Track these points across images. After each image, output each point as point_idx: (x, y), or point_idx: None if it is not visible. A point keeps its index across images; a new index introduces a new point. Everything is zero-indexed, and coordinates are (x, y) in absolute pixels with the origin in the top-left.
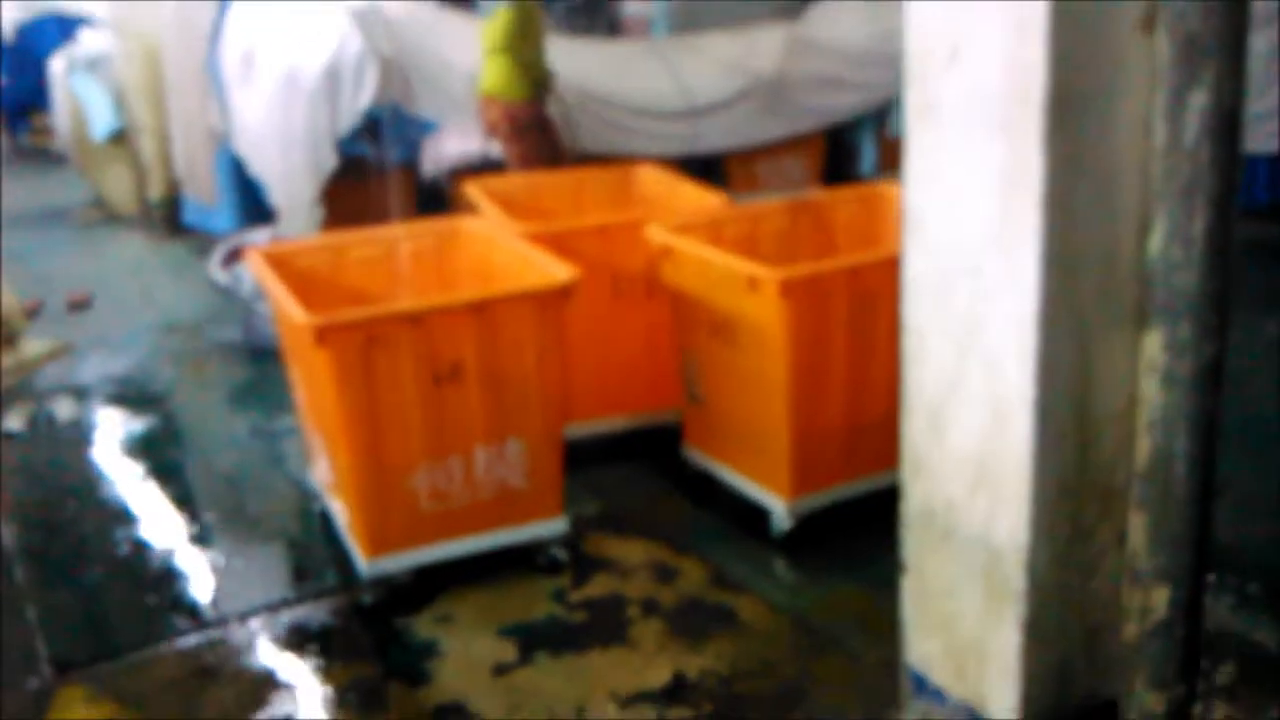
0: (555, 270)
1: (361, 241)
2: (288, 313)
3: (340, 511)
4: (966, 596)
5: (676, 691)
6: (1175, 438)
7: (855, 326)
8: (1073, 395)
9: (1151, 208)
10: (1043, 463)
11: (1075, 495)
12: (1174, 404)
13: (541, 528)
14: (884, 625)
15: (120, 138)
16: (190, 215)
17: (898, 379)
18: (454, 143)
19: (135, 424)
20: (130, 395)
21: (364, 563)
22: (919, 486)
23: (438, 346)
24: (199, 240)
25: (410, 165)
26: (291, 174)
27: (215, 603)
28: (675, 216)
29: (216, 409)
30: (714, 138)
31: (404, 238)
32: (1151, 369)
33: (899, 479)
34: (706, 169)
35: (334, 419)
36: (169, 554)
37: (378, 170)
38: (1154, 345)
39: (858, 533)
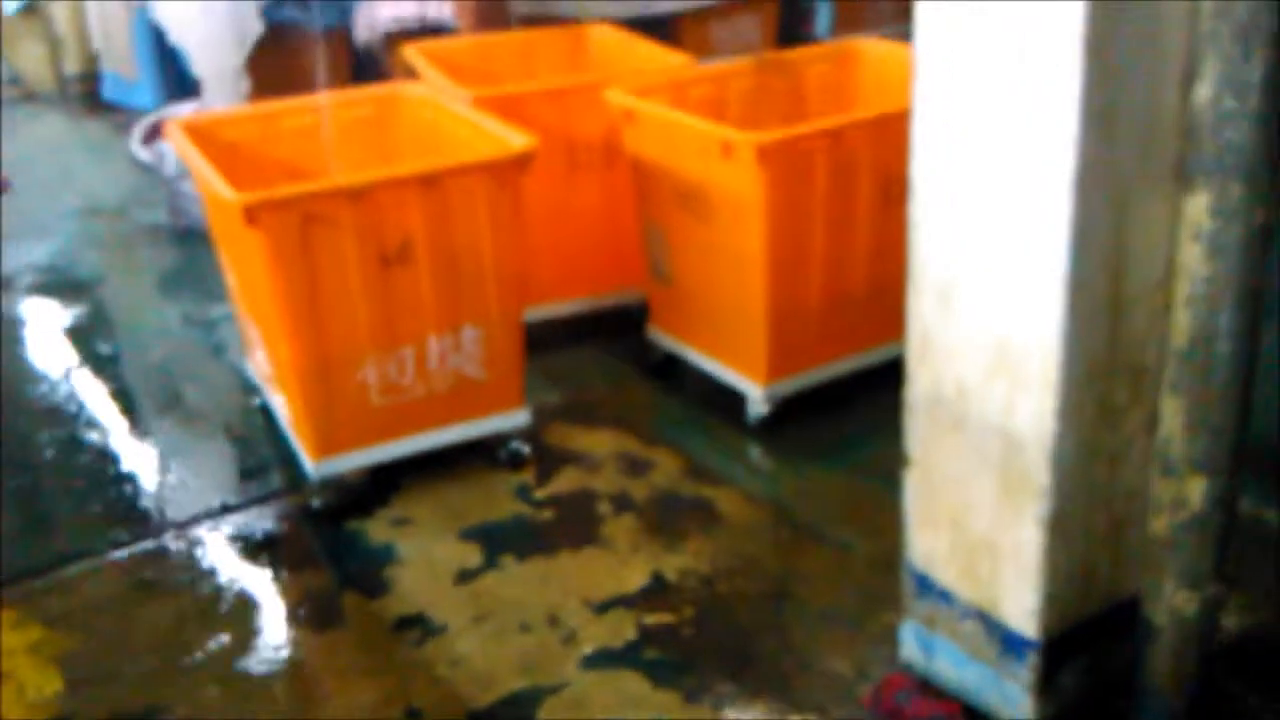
0: (509, 139)
1: (293, 111)
2: (214, 190)
3: (283, 408)
4: (979, 490)
5: (655, 594)
6: (1219, 313)
7: (835, 195)
8: (1108, 266)
9: (1200, 51)
10: (1073, 343)
11: (1104, 377)
12: (1219, 275)
13: (502, 420)
14: (871, 516)
15: (32, 8)
16: (110, 90)
17: (878, 252)
18: (388, 6)
19: (60, 315)
20: (54, 284)
21: (311, 464)
22: (926, 370)
23: (383, 225)
24: (120, 117)
25: (343, 31)
26: (214, 42)
27: (152, 511)
28: (634, 79)
29: (146, 297)
30: None
31: (340, 105)
32: (1194, 236)
33: (879, 358)
34: (655, 32)
35: (271, 308)
36: (99, 459)
37: (307, 37)
38: (1198, 209)
39: (837, 416)
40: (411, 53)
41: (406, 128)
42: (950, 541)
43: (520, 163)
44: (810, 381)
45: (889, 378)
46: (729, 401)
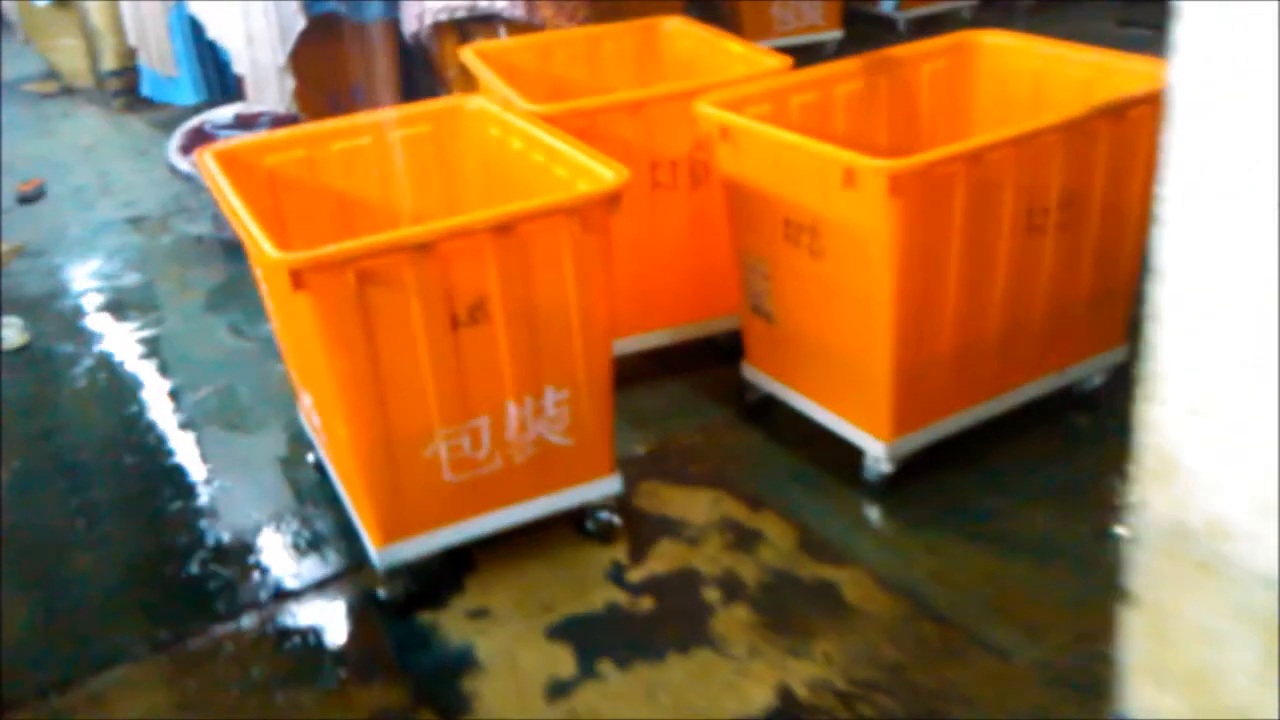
0: (597, 170)
1: (342, 132)
2: (254, 244)
3: (340, 479)
4: (1238, 652)
5: (785, 716)
6: None
7: (973, 226)
8: None
9: None
10: None
11: None
12: None
13: (590, 490)
14: (1027, 608)
15: (64, 0)
16: (149, 87)
17: (1017, 287)
18: None
19: (99, 346)
20: (93, 308)
21: (376, 552)
22: (1165, 496)
23: (454, 281)
24: (161, 114)
25: (390, 22)
26: (255, 37)
27: (196, 599)
28: (727, 88)
29: (192, 322)
30: None
31: (394, 125)
32: None
33: (1013, 402)
34: (712, 13)
35: (325, 381)
36: (137, 531)
37: (352, 29)
38: None
39: (969, 473)
40: (469, 56)
41: (470, 150)
42: (1190, 706)
43: (611, 201)
44: (939, 434)
45: (1025, 425)
46: (841, 453)
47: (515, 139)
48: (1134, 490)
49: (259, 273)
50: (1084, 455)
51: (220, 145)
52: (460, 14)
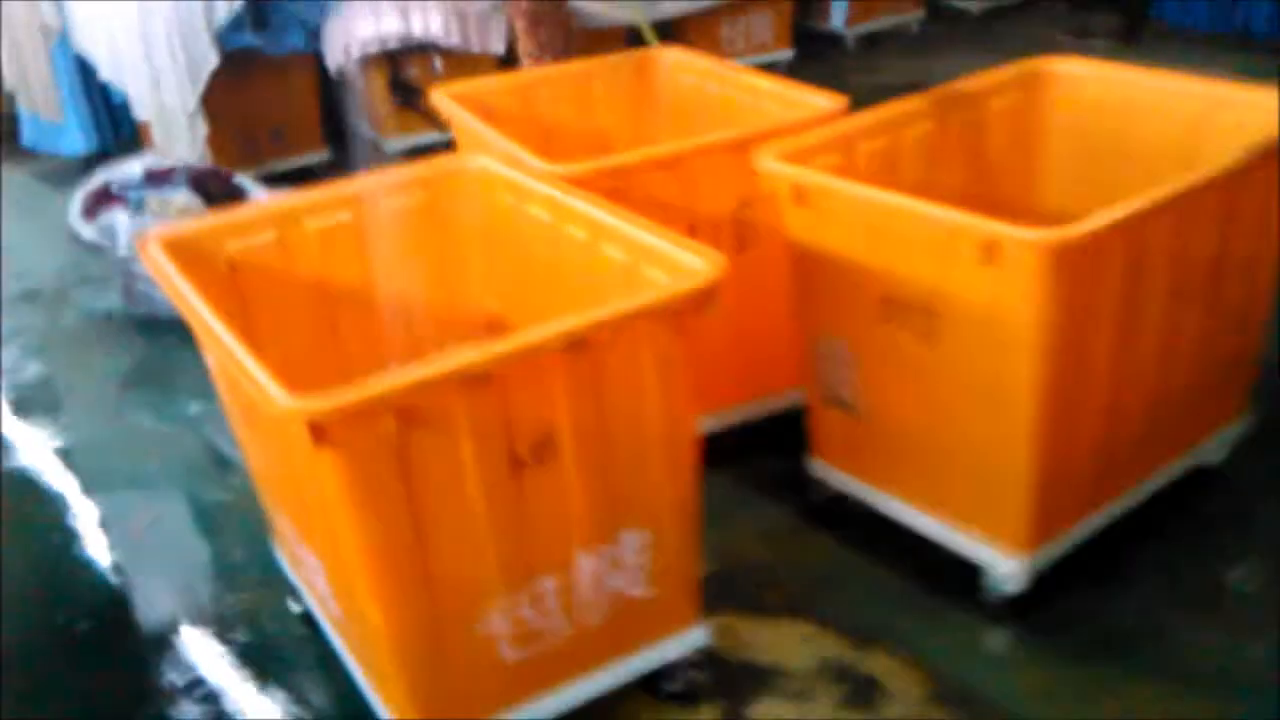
0: (677, 254)
1: (317, 206)
2: (249, 383)
3: (351, 655)
4: None
5: None
6: None
7: (1124, 301)
8: None
9: None
10: None
11: None
12: None
13: (672, 645)
14: None
15: None
16: (32, 135)
17: (1164, 362)
18: (365, 22)
19: None
20: None
21: None
22: None
23: (516, 413)
24: (47, 166)
25: (312, 54)
26: (161, 78)
27: None
28: (772, 130)
29: (112, 420)
30: None
31: (380, 194)
32: None
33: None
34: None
35: (350, 554)
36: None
37: (271, 65)
38: None
39: (1101, 586)
40: (445, 101)
41: (476, 221)
42: None
43: (706, 298)
44: (1076, 540)
45: (1151, 517)
46: (948, 567)
47: (537, 207)
48: None
49: (218, 371)
50: (1229, 549)
51: (168, 231)
52: (392, 45)
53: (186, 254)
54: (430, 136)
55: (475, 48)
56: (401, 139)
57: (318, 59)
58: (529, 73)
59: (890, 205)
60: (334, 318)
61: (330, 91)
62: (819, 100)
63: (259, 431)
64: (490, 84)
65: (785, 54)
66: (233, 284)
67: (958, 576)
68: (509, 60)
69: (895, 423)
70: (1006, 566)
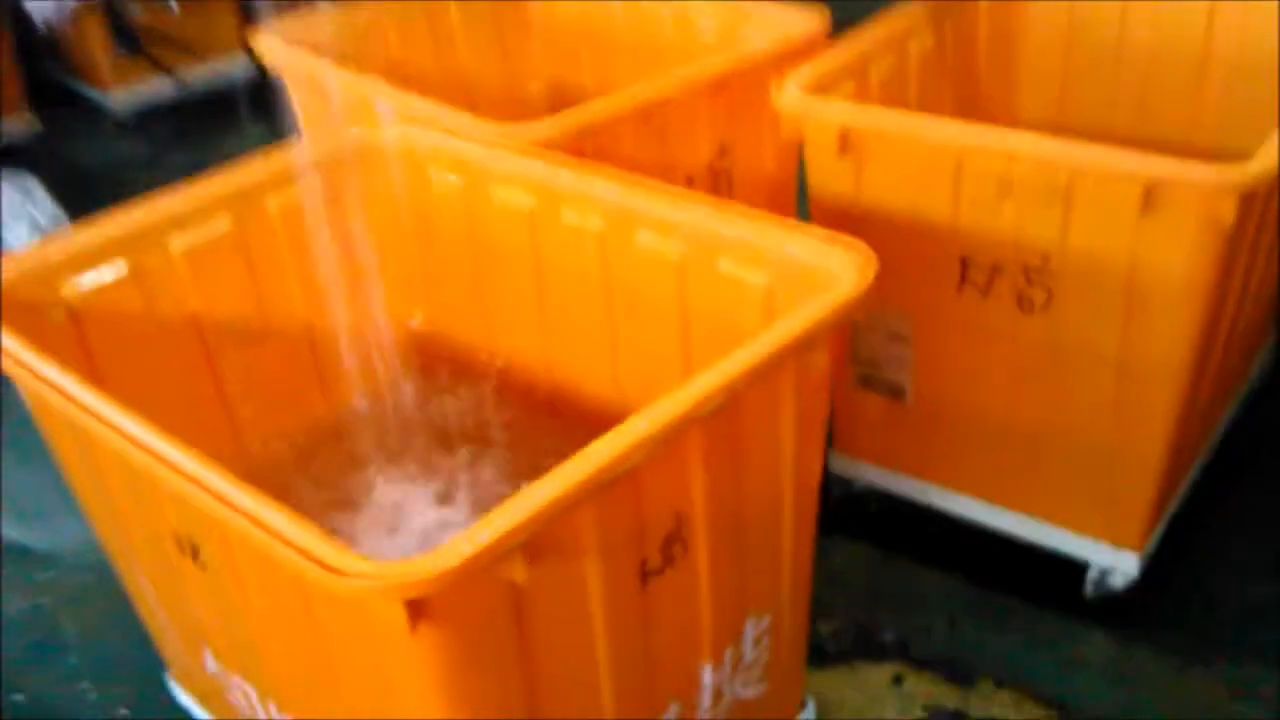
0: (830, 259)
1: (183, 217)
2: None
3: None
4: None
5: None
6: None
7: (1254, 251)
8: None
9: None
10: None
11: None
12: None
13: None
14: None
15: None
16: None
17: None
18: None
19: None
20: None
21: None
22: None
23: (649, 509)
24: None
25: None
26: None
27: None
28: (757, 57)
29: None
30: None
31: (266, 186)
32: None
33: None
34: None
35: None
36: None
37: None
38: None
39: (1202, 566)
40: (276, 50)
41: (403, 214)
42: None
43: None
44: (1168, 518)
45: (1217, 475)
46: (1023, 566)
47: (508, 189)
48: None
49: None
50: None
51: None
52: None
53: (12, 308)
54: (164, 90)
55: None
56: (130, 94)
57: (14, 11)
58: (369, 5)
59: (1011, 148)
60: (216, 367)
61: (34, 49)
62: (788, 15)
63: (212, 573)
64: (321, 22)
65: None
66: (78, 342)
67: (1035, 577)
68: None
69: (967, 407)
70: (1120, 561)
